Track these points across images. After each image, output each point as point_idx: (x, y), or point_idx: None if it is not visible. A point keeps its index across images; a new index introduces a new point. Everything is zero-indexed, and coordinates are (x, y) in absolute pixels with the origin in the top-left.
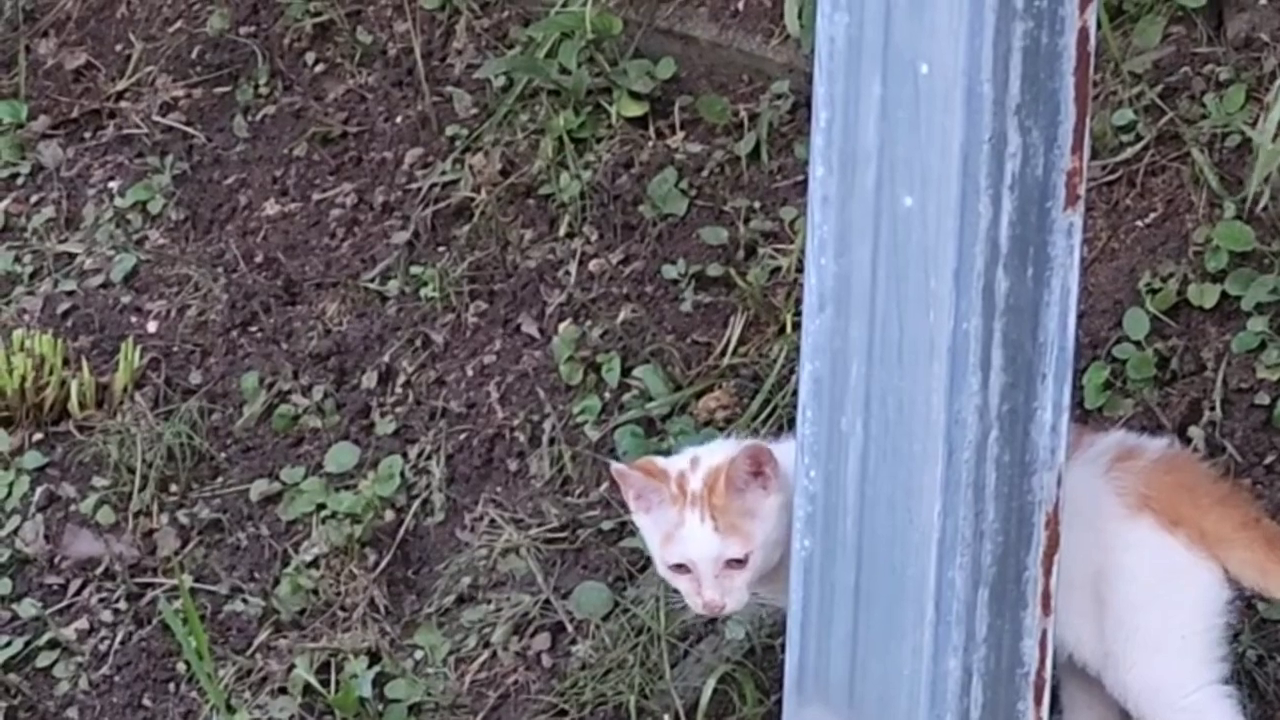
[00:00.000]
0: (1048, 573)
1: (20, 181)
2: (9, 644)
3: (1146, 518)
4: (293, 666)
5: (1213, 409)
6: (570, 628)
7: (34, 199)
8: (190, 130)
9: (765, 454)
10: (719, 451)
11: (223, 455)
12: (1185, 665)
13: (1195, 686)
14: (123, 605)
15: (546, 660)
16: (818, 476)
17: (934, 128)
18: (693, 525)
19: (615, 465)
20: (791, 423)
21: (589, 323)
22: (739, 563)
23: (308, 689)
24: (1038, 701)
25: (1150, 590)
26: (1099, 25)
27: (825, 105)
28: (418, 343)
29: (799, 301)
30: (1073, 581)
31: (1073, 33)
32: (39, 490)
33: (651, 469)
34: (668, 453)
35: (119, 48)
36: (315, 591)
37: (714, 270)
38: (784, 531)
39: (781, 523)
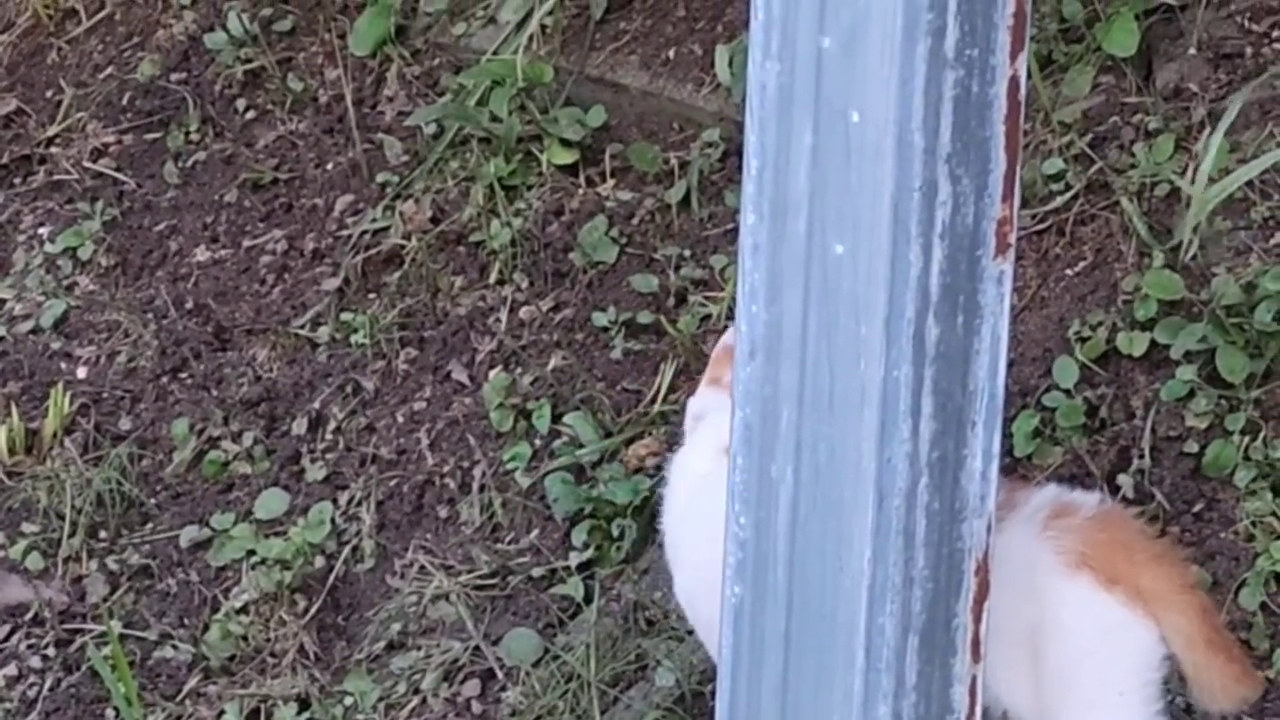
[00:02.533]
0: (977, 619)
1: None
2: None
3: (1084, 575)
4: (222, 713)
5: (1142, 457)
6: (500, 674)
7: None
8: (121, 176)
9: None
10: None
11: (152, 501)
12: None
13: None
14: (51, 651)
15: (476, 707)
16: (748, 523)
17: (865, 176)
18: None
19: None
20: None
21: (519, 370)
22: None
23: None
24: None
25: (1087, 647)
26: (1029, 74)
27: (756, 153)
28: (348, 389)
29: None
30: (1009, 637)
31: (1003, 82)
32: None
33: None
34: (599, 500)
35: (49, 94)
36: (245, 638)
37: (644, 318)
38: None
39: None
